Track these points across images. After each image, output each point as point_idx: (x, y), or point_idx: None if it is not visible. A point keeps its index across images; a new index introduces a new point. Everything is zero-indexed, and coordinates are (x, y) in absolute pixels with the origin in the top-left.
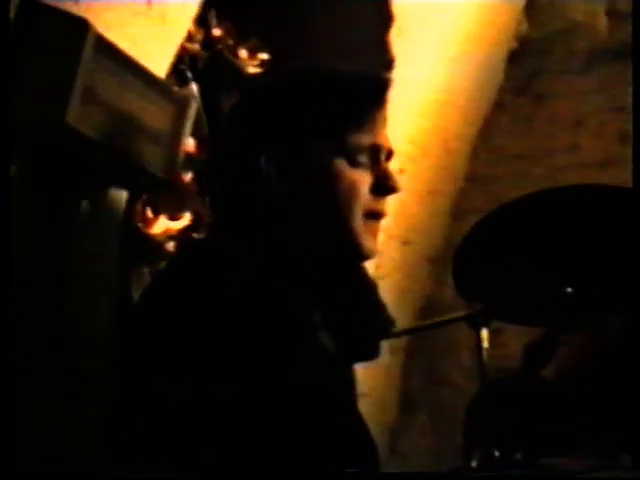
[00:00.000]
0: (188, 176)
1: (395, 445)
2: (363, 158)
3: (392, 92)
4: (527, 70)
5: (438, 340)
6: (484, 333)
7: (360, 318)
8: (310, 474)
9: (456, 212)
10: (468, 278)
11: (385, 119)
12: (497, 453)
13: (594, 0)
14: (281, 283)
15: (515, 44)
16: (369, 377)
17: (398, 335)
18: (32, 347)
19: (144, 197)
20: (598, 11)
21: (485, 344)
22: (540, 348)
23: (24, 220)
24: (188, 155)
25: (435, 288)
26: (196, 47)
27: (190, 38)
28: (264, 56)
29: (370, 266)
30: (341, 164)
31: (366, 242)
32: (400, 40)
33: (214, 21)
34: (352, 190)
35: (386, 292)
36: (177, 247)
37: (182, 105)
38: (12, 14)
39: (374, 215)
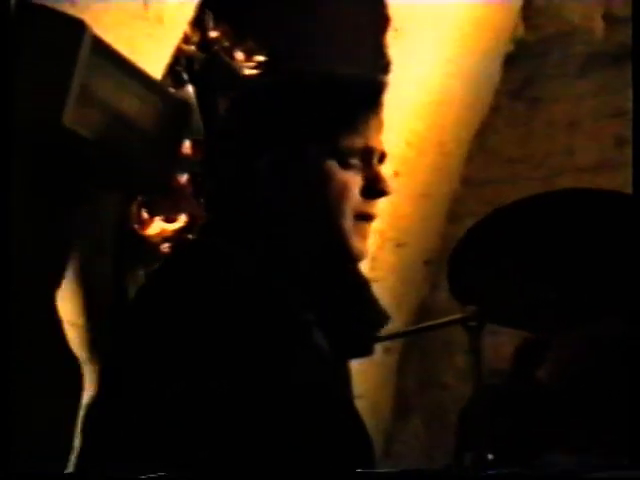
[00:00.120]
0: (184, 178)
1: (389, 447)
2: (354, 160)
3: (387, 94)
4: (523, 73)
5: (432, 342)
6: (479, 336)
7: (353, 315)
8: (306, 472)
9: (451, 215)
10: (463, 281)
11: (381, 122)
12: (490, 456)
13: (591, 4)
14: (276, 282)
15: (511, 47)
16: (363, 379)
17: (393, 338)
18: (32, 347)
19: (139, 198)
20: (595, 15)
21: (480, 347)
22: (531, 350)
23: (24, 219)
24: (184, 156)
25: (430, 291)
26: (192, 49)
27: (186, 40)
28: (260, 58)
29: (365, 269)
30: (332, 165)
31: (355, 243)
32: (396, 42)
33: (210, 23)
34: (342, 191)
35: (381, 295)
36: (172, 248)
37: (178, 107)
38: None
39: (364, 217)
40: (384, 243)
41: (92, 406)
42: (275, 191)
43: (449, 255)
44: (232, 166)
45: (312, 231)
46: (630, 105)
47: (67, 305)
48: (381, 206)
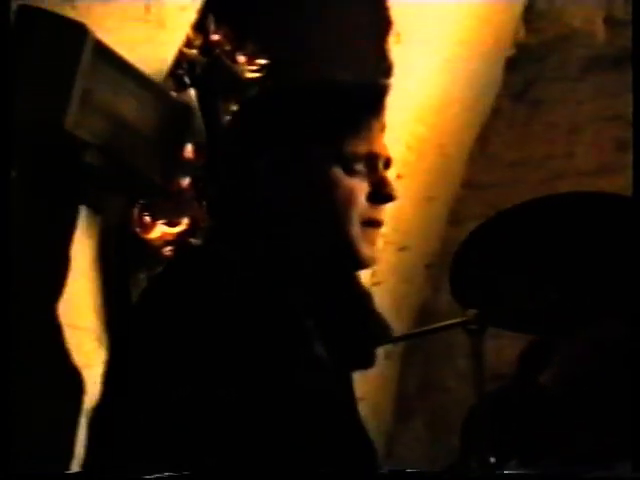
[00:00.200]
0: (185, 181)
1: (390, 450)
2: (359, 166)
3: (389, 98)
4: (524, 77)
5: (434, 346)
6: (480, 339)
7: (355, 327)
8: (309, 476)
9: (452, 218)
10: (465, 284)
11: (383, 126)
12: (493, 459)
13: (592, 7)
14: (278, 289)
15: (512, 50)
16: (364, 382)
17: (394, 341)
18: (32, 349)
19: (141, 202)
20: (595, 18)
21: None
22: (535, 354)
23: (18, 225)
24: (185, 160)
25: (431, 294)
26: (194, 52)
27: (188, 43)
28: (262, 61)
29: (366, 272)
30: (337, 172)
31: (364, 250)
32: (397, 46)
33: (212, 26)
34: (349, 198)
35: (382, 298)
36: (174, 252)
37: (180, 110)
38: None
39: (372, 223)
40: (386, 246)
41: (97, 408)
42: (277, 199)
43: (451, 258)
44: (235, 171)
45: (318, 238)
46: (630, 108)
47: (67, 308)
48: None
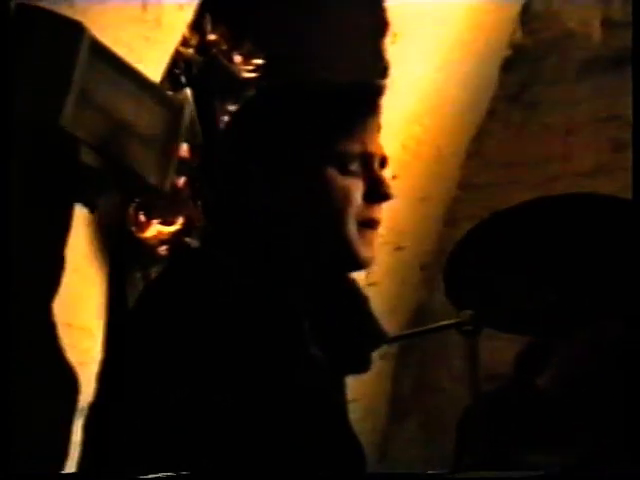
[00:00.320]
0: (181, 180)
1: (385, 451)
2: (354, 166)
3: (384, 98)
4: (520, 78)
5: (429, 346)
6: (475, 340)
7: (351, 330)
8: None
9: (448, 219)
10: (460, 285)
11: (379, 126)
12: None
13: (588, 9)
14: (275, 293)
15: (509, 52)
16: (359, 383)
17: (389, 342)
18: (31, 349)
19: (137, 201)
20: (592, 20)
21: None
22: (532, 356)
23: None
24: (181, 160)
25: (427, 294)
26: (191, 52)
27: (185, 43)
28: (259, 61)
29: (362, 272)
30: (332, 172)
31: (362, 250)
32: (394, 46)
33: (209, 26)
34: (344, 198)
35: (378, 298)
36: (169, 251)
37: (176, 110)
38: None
39: (369, 224)
40: (381, 247)
41: (92, 407)
42: (274, 202)
43: (447, 259)
44: (231, 177)
45: (315, 240)
46: (628, 110)
47: (63, 306)
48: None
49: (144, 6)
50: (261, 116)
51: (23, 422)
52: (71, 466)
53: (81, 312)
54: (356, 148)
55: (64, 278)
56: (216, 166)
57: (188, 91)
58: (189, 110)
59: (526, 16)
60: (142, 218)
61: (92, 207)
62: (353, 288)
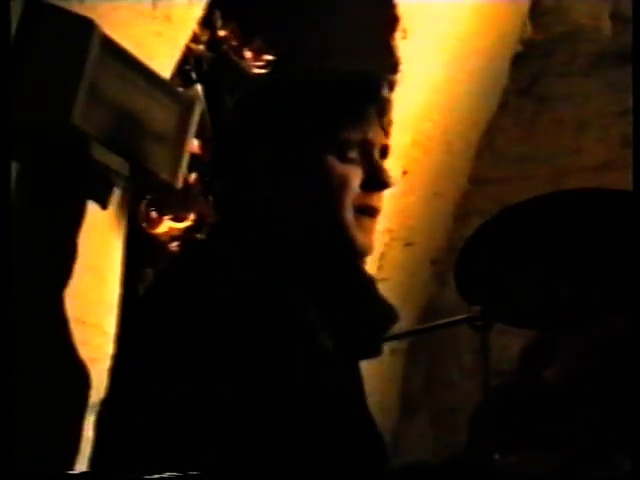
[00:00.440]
0: (192, 177)
1: (395, 445)
2: (353, 154)
3: (396, 94)
4: (530, 72)
5: (439, 342)
6: (485, 336)
7: (360, 316)
8: (310, 473)
9: (458, 214)
10: (470, 280)
11: (389, 120)
12: (497, 456)
13: (598, 3)
14: (278, 283)
15: (519, 46)
16: (369, 378)
17: (399, 337)
18: (34, 346)
19: (148, 197)
20: (602, 14)
21: (487, 346)
22: (538, 350)
23: (25, 222)
24: (192, 155)
25: (437, 290)
26: (201, 48)
27: (195, 39)
28: (269, 57)
29: (372, 267)
30: (331, 159)
31: (359, 236)
32: (404, 41)
33: (219, 22)
34: (342, 184)
35: (388, 294)
36: (180, 247)
37: (187, 106)
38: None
39: (367, 211)
40: (392, 242)
41: (103, 405)
42: (274, 188)
43: (457, 254)
44: (234, 167)
45: (313, 226)
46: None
47: (76, 304)
48: (390, 205)
49: (154, 3)
50: (263, 105)
51: (35, 418)
52: (82, 462)
53: (93, 309)
54: (356, 136)
55: (76, 275)
56: (222, 156)
57: (199, 87)
58: (200, 106)
59: (536, 11)
60: (153, 214)
61: (104, 204)
62: (359, 272)
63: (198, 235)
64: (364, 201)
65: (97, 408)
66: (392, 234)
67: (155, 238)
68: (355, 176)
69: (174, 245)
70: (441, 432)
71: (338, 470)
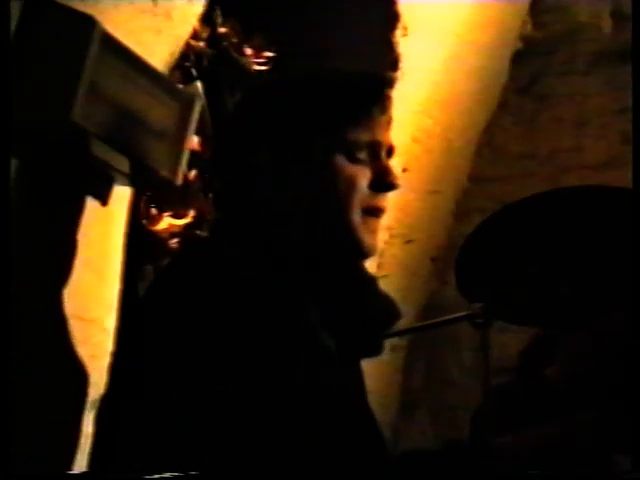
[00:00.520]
0: (192, 174)
1: (395, 443)
2: (362, 154)
3: (396, 91)
4: (531, 70)
5: (439, 339)
6: (486, 333)
7: (361, 314)
8: (310, 472)
9: (458, 212)
10: (470, 278)
11: (389, 117)
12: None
13: (599, 2)
14: (279, 283)
15: (519, 44)
16: (369, 375)
17: (399, 335)
18: (32, 344)
19: (148, 194)
20: (603, 12)
21: (487, 344)
22: (538, 348)
23: (25, 219)
24: (192, 152)
25: (437, 287)
26: (201, 45)
27: (195, 36)
28: (269, 54)
29: (372, 265)
30: (340, 160)
31: (365, 238)
32: (405, 39)
33: (219, 19)
34: (350, 185)
35: (388, 291)
36: (180, 244)
37: (187, 103)
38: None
39: (373, 212)
40: (392, 240)
41: (102, 402)
42: (275, 188)
43: (457, 251)
44: (236, 165)
45: (319, 226)
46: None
47: (76, 300)
48: (389, 202)
49: (155, 0)
50: (267, 104)
51: (34, 415)
52: (82, 459)
53: (93, 306)
54: (364, 136)
55: (76, 272)
56: (223, 154)
57: (199, 84)
58: (200, 103)
59: (536, 9)
60: (153, 211)
61: (104, 200)
62: (361, 271)
63: (198, 232)
64: (371, 202)
65: (97, 405)
66: (392, 231)
67: (155, 235)
68: (363, 177)
69: (174, 242)
70: (441, 429)
71: (338, 469)
